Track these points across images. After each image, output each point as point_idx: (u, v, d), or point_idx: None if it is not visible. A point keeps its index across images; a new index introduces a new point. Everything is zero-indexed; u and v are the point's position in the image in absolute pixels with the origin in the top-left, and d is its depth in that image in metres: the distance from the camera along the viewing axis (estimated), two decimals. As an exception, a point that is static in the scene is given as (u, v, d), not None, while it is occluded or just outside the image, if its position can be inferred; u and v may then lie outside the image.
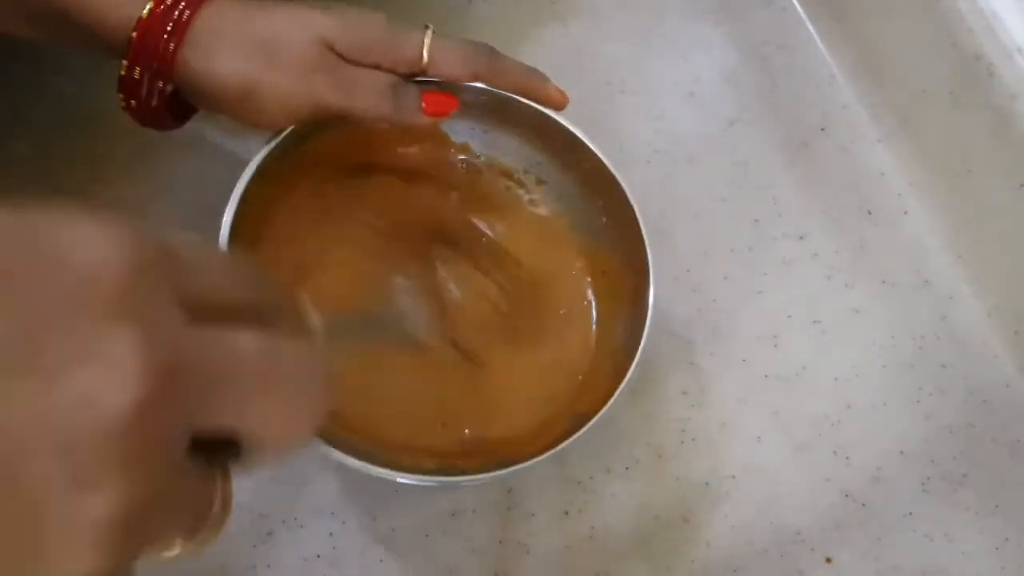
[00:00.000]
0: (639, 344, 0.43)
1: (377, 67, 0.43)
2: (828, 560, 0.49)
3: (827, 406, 0.52)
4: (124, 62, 0.40)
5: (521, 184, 0.51)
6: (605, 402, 0.42)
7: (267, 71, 0.40)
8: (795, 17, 0.62)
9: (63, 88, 0.52)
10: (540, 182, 0.51)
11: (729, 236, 0.56)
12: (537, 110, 0.47)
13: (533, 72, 0.46)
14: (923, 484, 0.51)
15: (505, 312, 0.49)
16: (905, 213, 0.57)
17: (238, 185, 0.43)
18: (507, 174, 0.51)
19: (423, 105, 0.44)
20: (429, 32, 0.44)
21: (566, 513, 0.49)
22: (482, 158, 0.50)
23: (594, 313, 0.49)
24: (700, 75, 0.60)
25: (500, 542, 0.47)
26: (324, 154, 0.47)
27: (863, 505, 0.50)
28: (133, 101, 0.41)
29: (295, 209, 0.47)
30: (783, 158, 0.58)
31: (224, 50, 0.40)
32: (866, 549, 0.50)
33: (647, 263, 0.45)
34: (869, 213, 0.57)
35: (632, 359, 0.43)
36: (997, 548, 0.50)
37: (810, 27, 0.62)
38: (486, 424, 0.47)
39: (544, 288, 0.50)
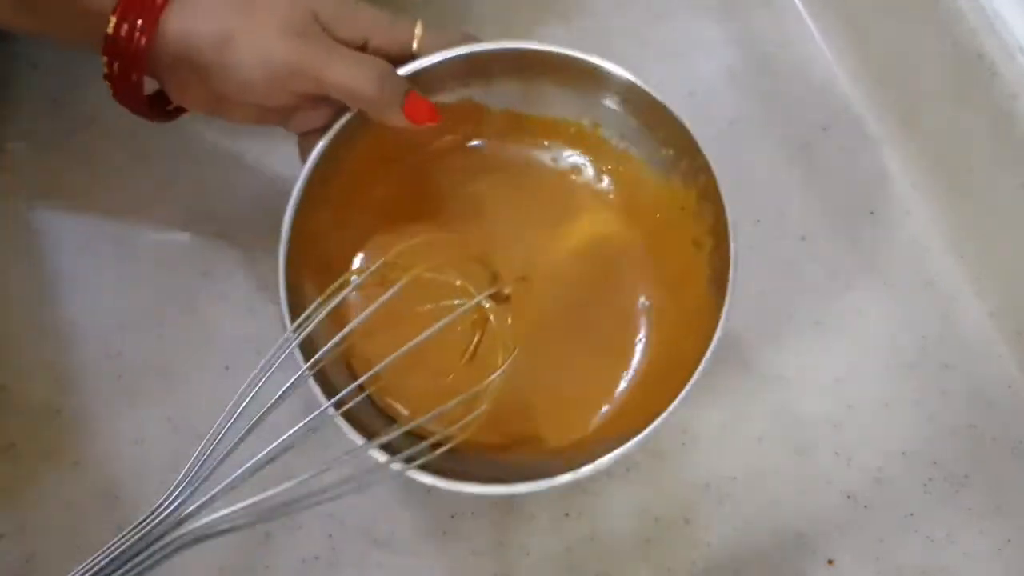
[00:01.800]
0: (701, 360, 0.42)
1: (365, 45, 0.43)
2: (830, 562, 0.49)
3: (828, 407, 0.52)
4: (112, 18, 0.39)
5: (577, 134, 0.50)
6: (656, 416, 0.42)
7: (246, 23, 0.40)
8: (796, 17, 0.62)
9: (62, 89, 0.52)
10: (595, 125, 0.49)
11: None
12: (575, 57, 0.46)
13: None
14: (925, 485, 0.51)
15: (555, 309, 0.49)
16: (907, 213, 0.57)
17: (297, 184, 0.43)
18: (557, 129, 0.50)
19: (404, 104, 0.43)
20: (420, 24, 0.44)
21: (566, 515, 0.48)
22: (526, 118, 0.49)
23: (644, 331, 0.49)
24: (701, 75, 0.60)
25: (500, 544, 0.47)
26: (368, 156, 0.47)
27: (865, 506, 0.50)
28: (116, 64, 0.41)
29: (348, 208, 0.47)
30: (785, 158, 0.58)
31: (207, 7, 0.40)
32: (868, 550, 0.49)
33: (724, 211, 0.45)
34: (871, 213, 0.57)
35: (690, 376, 0.42)
36: (999, 549, 0.50)
37: (811, 27, 0.61)
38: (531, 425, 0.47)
39: (596, 285, 0.50)
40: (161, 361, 0.48)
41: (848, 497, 0.50)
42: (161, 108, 0.44)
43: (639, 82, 0.46)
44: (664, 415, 0.41)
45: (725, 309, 0.43)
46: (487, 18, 0.59)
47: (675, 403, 0.41)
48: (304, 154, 0.45)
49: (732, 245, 0.44)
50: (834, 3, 0.60)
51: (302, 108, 0.43)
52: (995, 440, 0.52)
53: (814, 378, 0.53)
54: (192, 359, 0.48)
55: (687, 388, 0.42)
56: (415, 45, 0.44)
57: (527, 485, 0.41)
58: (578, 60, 0.46)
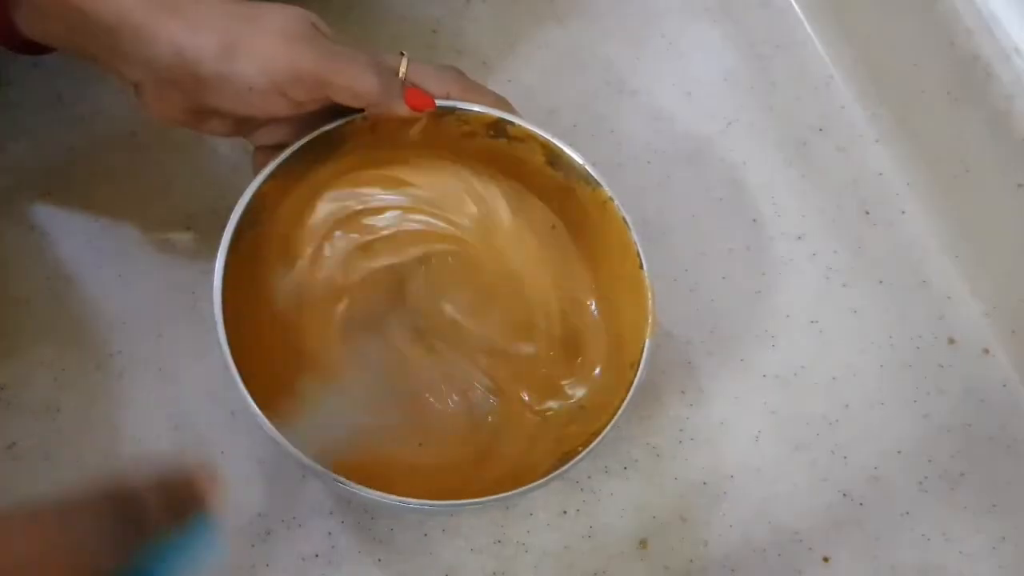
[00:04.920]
0: (627, 394, 0.43)
1: None
2: (826, 559, 0.49)
3: (825, 406, 0.52)
4: None
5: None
6: (607, 423, 0.42)
7: (249, 32, 0.40)
8: (793, 17, 0.62)
9: (62, 89, 0.52)
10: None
11: (727, 236, 0.56)
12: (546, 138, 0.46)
13: (502, 100, 0.47)
14: (921, 483, 0.51)
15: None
16: (903, 213, 0.57)
17: (251, 185, 0.43)
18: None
19: (405, 96, 0.43)
20: (404, 58, 0.44)
21: (564, 512, 0.49)
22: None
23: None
24: (698, 75, 0.60)
25: (498, 541, 0.48)
26: (338, 161, 0.47)
27: (861, 504, 0.50)
28: None
29: (303, 206, 0.47)
30: (781, 158, 0.58)
31: (205, 19, 0.39)
32: (864, 548, 0.50)
33: (648, 307, 0.45)
34: (867, 213, 0.57)
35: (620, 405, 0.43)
36: (994, 547, 0.50)
37: (808, 27, 0.62)
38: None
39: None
40: (161, 360, 0.48)
41: (844, 495, 0.51)
42: (29, 43, 0.42)
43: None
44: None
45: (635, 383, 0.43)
46: (484, 20, 0.59)
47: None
48: (257, 168, 0.45)
49: (647, 343, 0.44)
50: (831, 4, 0.60)
51: (270, 123, 0.44)
52: (990, 439, 0.53)
53: (810, 377, 0.53)
54: (192, 357, 0.48)
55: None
56: (401, 69, 0.44)
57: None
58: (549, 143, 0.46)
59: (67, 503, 0.29)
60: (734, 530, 0.49)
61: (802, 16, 0.62)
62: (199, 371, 0.48)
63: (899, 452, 0.52)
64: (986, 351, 0.55)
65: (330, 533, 0.47)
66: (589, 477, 0.49)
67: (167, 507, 0.30)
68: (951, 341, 0.55)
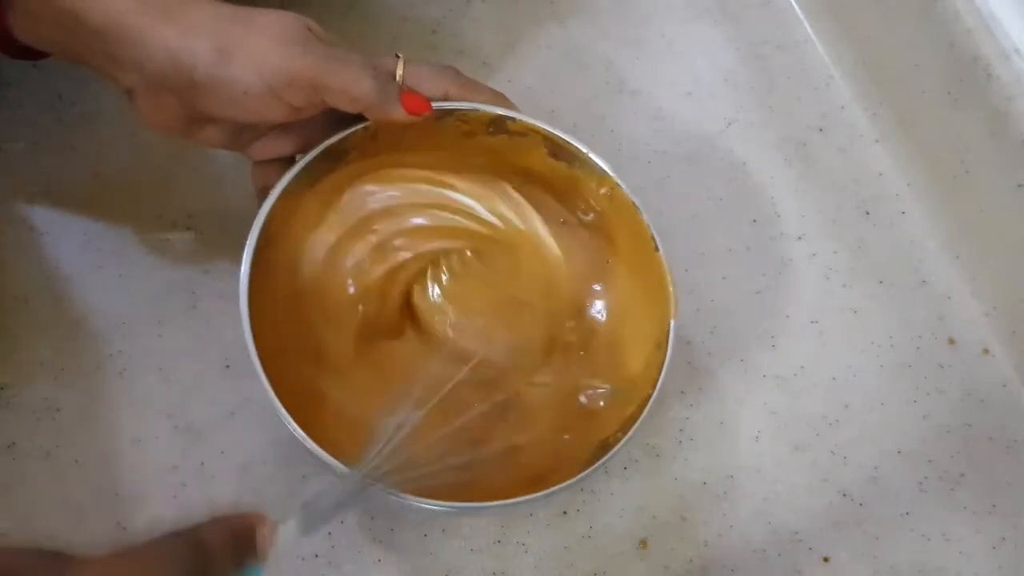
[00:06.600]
0: (659, 377, 0.43)
1: None
2: (826, 559, 0.49)
3: (825, 406, 0.52)
4: None
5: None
6: (625, 431, 0.42)
7: (243, 36, 0.39)
8: (793, 17, 0.62)
9: (62, 88, 0.52)
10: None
11: (727, 236, 0.56)
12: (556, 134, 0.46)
13: (499, 96, 0.46)
14: (920, 484, 0.51)
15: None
16: (903, 213, 0.57)
17: (263, 207, 0.43)
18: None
19: (402, 100, 0.43)
20: (401, 60, 0.44)
21: (564, 513, 0.49)
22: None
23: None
24: (699, 75, 0.60)
25: (498, 542, 0.48)
26: (345, 169, 0.47)
27: (861, 505, 0.50)
28: None
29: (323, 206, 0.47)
30: (781, 158, 0.58)
31: (198, 24, 0.39)
32: (864, 549, 0.50)
33: (669, 296, 0.45)
34: (867, 213, 0.57)
35: (652, 390, 0.43)
36: (994, 547, 0.50)
37: (808, 27, 0.62)
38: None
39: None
40: (161, 359, 0.48)
41: (844, 495, 0.51)
42: (24, 48, 0.42)
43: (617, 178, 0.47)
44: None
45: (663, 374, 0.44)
46: (484, 20, 0.59)
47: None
48: (257, 183, 0.45)
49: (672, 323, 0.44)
50: (831, 4, 0.60)
51: (267, 133, 0.44)
52: (990, 439, 0.53)
53: (810, 377, 0.53)
54: (192, 357, 0.48)
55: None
56: (399, 70, 0.44)
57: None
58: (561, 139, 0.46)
59: (142, 547, 0.30)
60: (734, 530, 0.49)
61: (802, 16, 0.62)
62: (199, 371, 0.48)
63: (899, 452, 0.52)
64: (986, 351, 0.55)
65: (330, 533, 0.47)
66: (589, 477, 0.49)
67: (231, 552, 0.31)
68: (951, 341, 0.55)
